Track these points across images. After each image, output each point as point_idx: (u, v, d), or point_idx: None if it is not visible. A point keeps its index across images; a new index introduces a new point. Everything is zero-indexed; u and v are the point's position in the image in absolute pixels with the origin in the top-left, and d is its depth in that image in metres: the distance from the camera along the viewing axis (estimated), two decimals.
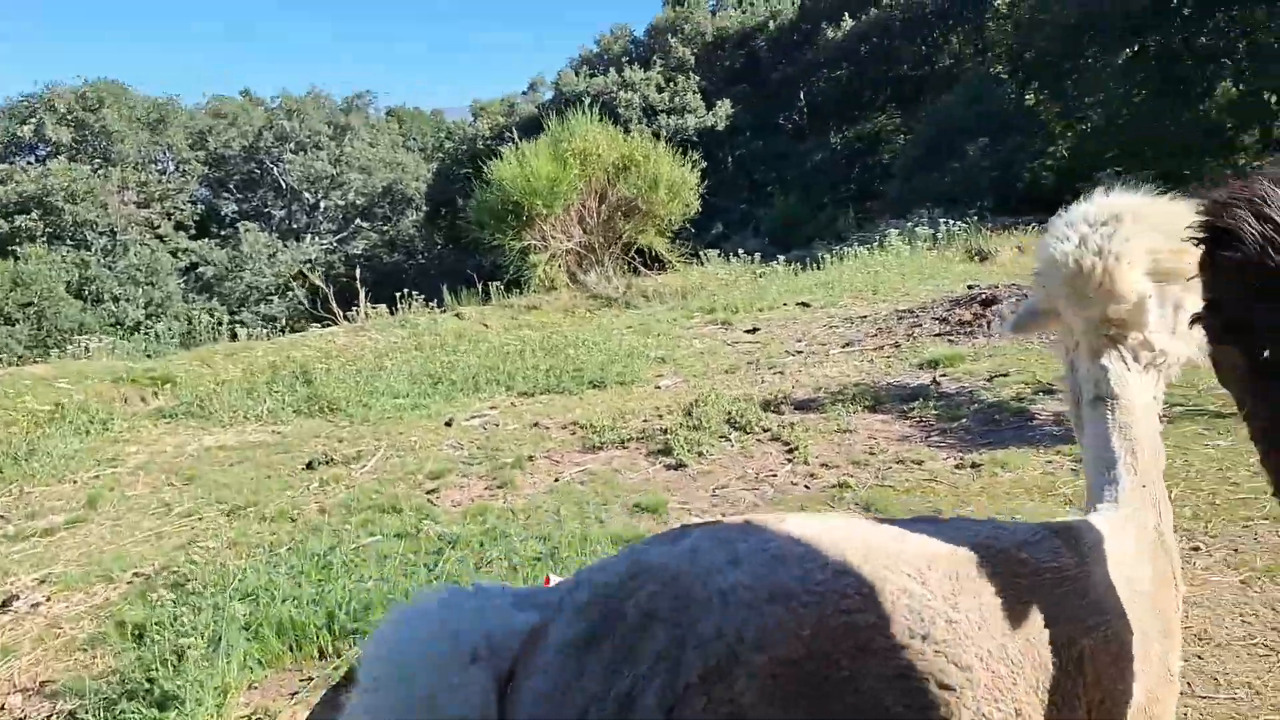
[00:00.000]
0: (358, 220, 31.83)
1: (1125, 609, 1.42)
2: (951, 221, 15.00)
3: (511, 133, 19.07)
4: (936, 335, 8.12)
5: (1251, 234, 0.99)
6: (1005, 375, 6.52)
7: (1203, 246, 1.09)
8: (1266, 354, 1.01)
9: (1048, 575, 1.37)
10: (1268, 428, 1.13)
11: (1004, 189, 19.77)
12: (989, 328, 7.67)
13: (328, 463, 6.07)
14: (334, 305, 13.03)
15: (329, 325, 12.41)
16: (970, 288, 9.10)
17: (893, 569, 1.24)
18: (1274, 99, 18.75)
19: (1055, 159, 21.08)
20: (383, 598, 3.79)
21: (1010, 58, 23.46)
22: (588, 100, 17.58)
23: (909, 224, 15.73)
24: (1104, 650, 1.38)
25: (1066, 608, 1.35)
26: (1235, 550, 3.69)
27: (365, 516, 4.95)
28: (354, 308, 12.94)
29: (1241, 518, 3.95)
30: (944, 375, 6.82)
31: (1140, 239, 1.59)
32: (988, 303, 8.07)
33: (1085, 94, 20.61)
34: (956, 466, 4.96)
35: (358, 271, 14.10)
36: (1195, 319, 1.18)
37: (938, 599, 1.23)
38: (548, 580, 3.67)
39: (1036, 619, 1.32)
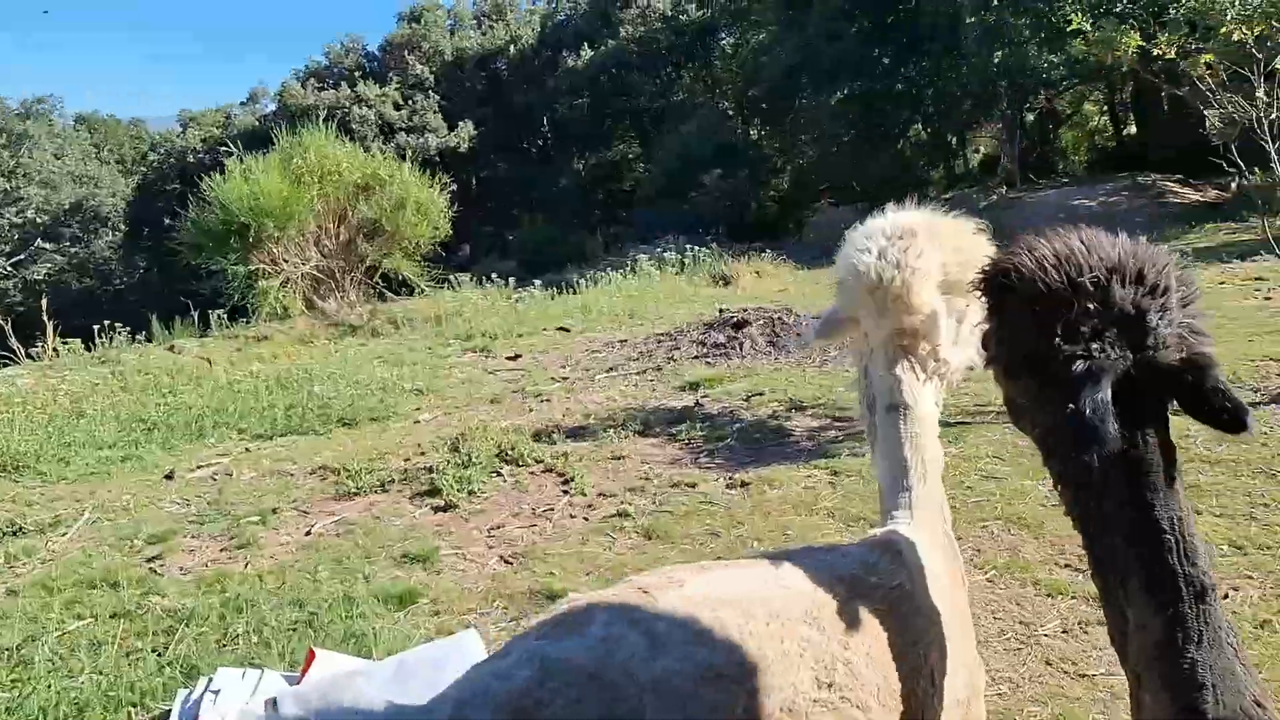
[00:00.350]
0: (39, 241, 27.62)
1: (941, 613, 1.49)
2: (696, 247, 15.77)
3: (228, 146, 17.48)
4: (695, 358, 8.38)
5: (1029, 270, 1.15)
6: (761, 395, 6.83)
7: (989, 293, 1.23)
8: (1078, 367, 1.08)
9: (895, 595, 1.42)
10: (1054, 441, 1.21)
11: (735, 217, 21.23)
12: (742, 349, 8.05)
13: (16, 533, 5.07)
14: (12, 340, 11.02)
15: (8, 365, 10.53)
16: (721, 311, 9.53)
17: (793, 620, 1.25)
18: (955, 140, 21.78)
19: (777, 190, 23.02)
20: (101, 695, 3.17)
21: (736, 96, 25.36)
22: (321, 114, 16.51)
23: (657, 249, 16.34)
24: (939, 657, 1.45)
25: (914, 625, 1.41)
26: (978, 550, 4.03)
27: (71, 595, 4.15)
28: (39, 343, 11.05)
29: (978, 519, 4.33)
30: (705, 397, 7.02)
31: (933, 254, 1.65)
32: (739, 325, 8.48)
33: (801, 132, 22.73)
34: (728, 487, 5.07)
35: (43, 300, 12.01)
36: (989, 361, 1.29)
37: (833, 642, 1.27)
38: (311, 654, 3.20)
39: (901, 642, 1.38)
